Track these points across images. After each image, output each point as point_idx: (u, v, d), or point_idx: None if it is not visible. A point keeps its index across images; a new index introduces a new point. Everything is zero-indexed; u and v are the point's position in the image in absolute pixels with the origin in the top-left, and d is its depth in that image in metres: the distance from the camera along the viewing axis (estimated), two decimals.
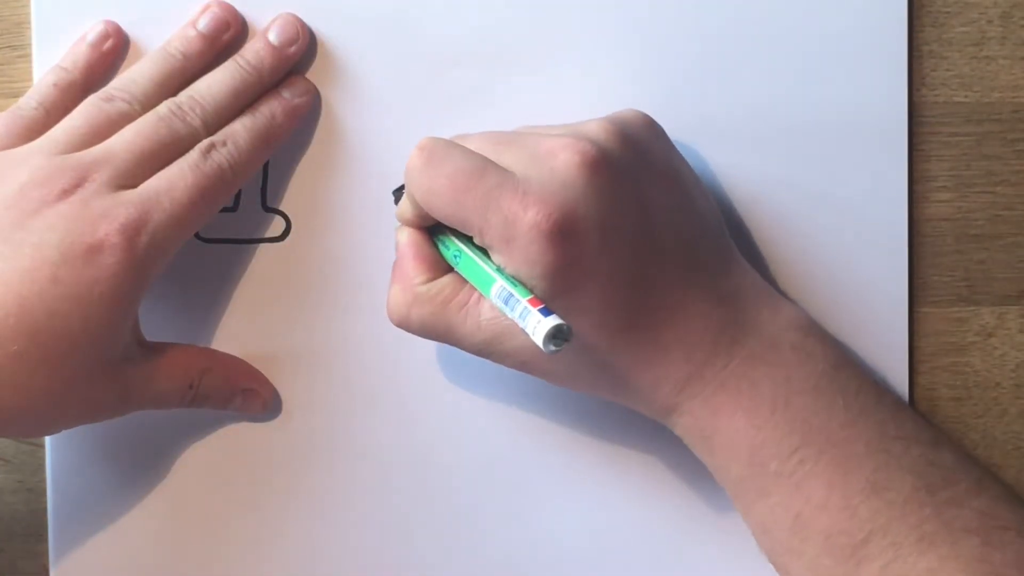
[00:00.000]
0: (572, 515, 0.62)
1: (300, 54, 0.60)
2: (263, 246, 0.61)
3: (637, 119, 0.58)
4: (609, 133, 0.56)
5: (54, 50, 0.60)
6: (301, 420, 0.62)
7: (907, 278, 0.62)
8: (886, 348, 0.61)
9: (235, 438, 0.62)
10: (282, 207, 0.61)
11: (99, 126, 0.57)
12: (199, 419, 0.61)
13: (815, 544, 0.55)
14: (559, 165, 0.54)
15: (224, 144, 0.57)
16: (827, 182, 0.61)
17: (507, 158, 0.55)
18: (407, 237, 0.58)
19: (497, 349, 0.56)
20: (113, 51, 0.60)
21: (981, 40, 0.62)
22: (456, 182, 0.54)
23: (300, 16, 0.60)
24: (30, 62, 0.60)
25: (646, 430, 0.61)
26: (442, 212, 0.55)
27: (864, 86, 0.61)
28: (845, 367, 0.57)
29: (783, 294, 0.60)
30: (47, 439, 0.61)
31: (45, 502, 0.62)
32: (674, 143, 0.58)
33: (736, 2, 0.61)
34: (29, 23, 0.60)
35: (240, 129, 0.58)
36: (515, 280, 0.53)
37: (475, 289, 0.55)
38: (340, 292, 0.61)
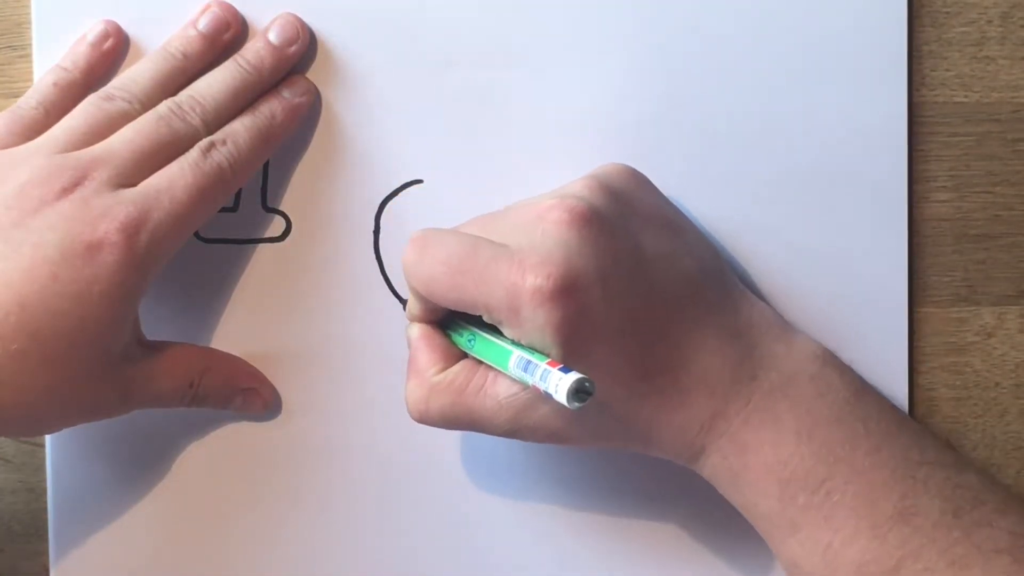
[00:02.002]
0: (572, 515, 0.62)
1: (300, 54, 0.60)
2: (263, 246, 0.61)
3: (619, 171, 0.58)
4: (592, 189, 0.56)
5: (54, 50, 0.60)
6: (301, 420, 0.62)
7: (907, 278, 0.62)
8: (886, 348, 0.61)
9: (235, 438, 0.62)
10: (282, 207, 0.61)
11: (99, 125, 0.57)
12: (199, 419, 0.61)
13: (847, 574, 0.55)
14: (549, 226, 0.54)
15: (224, 143, 0.57)
16: (826, 182, 0.61)
17: (498, 233, 0.55)
18: (417, 331, 0.58)
19: (522, 425, 0.56)
20: (113, 50, 0.60)
21: (981, 40, 0.62)
22: (452, 265, 0.54)
23: (300, 16, 0.60)
24: (30, 62, 0.60)
25: None
26: (445, 297, 0.55)
27: (864, 86, 0.61)
28: (864, 395, 0.58)
29: (783, 313, 0.61)
30: (47, 439, 0.61)
31: (45, 502, 0.62)
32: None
33: (736, 2, 0.61)
34: (29, 23, 0.60)
35: (240, 128, 0.58)
36: (531, 349, 0.53)
37: (489, 370, 0.55)
38: (340, 292, 0.61)
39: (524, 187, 0.60)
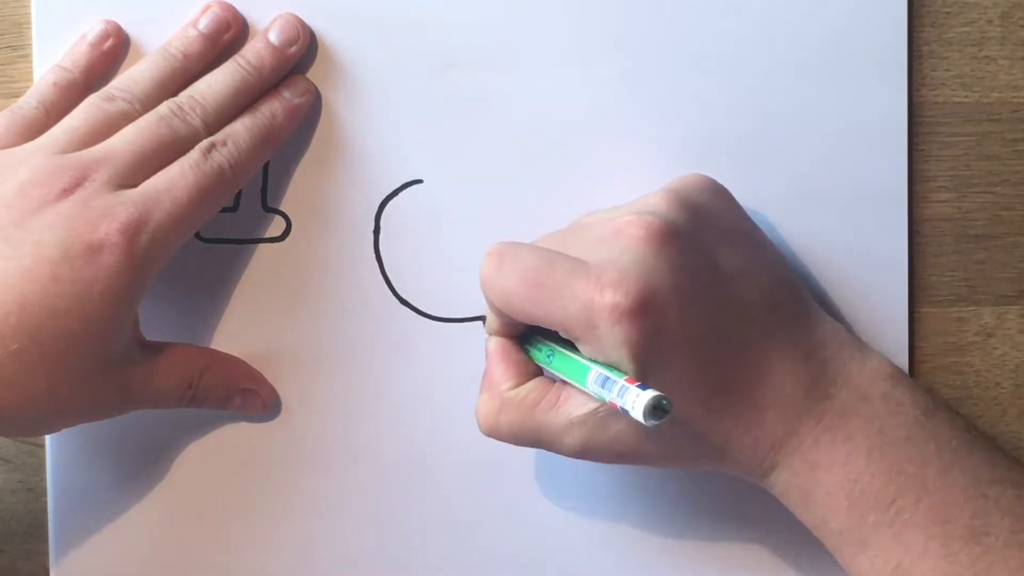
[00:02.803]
0: (572, 515, 0.62)
1: (300, 54, 0.60)
2: (263, 246, 0.61)
3: (698, 183, 0.58)
4: (670, 203, 0.55)
5: (54, 50, 0.60)
6: (301, 420, 0.62)
7: (907, 278, 0.62)
8: (886, 348, 0.61)
9: (235, 438, 0.62)
10: (282, 207, 0.61)
11: (100, 125, 0.57)
12: (199, 419, 0.61)
13: None
14: (627, 242, 0.54)
15: (225, 144, 0.57)
16: (827, 182, 0.61)
17: (575, 248, 0.55)
18: (494, 344, 0.58)
19: (594, 445, 0.55)
20: (113, 51, 0.60)
21: (981, 40, 0.62)
22: (529, 280, 0.54)
23: (300, 16, 0.60)
24: (30, 62, 0.60)
25: None
26: (521, 312, 0.55)
27: (864, 86, 0.61)
28: (936, 413, 0.57)
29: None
30: (47, 439, 0.61)
31: (45, 502, 0.61)
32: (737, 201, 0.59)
33: (736, 2, 0.61)
34: (29, 23, 0.60)
35: (241, 129, 0.58)
36: (607, 366, 0.53)
37: (563, 388, 0.55)
38: (340, 292, 0.61)
39: (524, 187, 0.61)
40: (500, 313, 0.56)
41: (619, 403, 0.51)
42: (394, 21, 0.61)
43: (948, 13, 0.62)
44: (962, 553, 0.55)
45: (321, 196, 0.61)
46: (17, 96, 0.59)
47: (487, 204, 0.61)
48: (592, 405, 0.54)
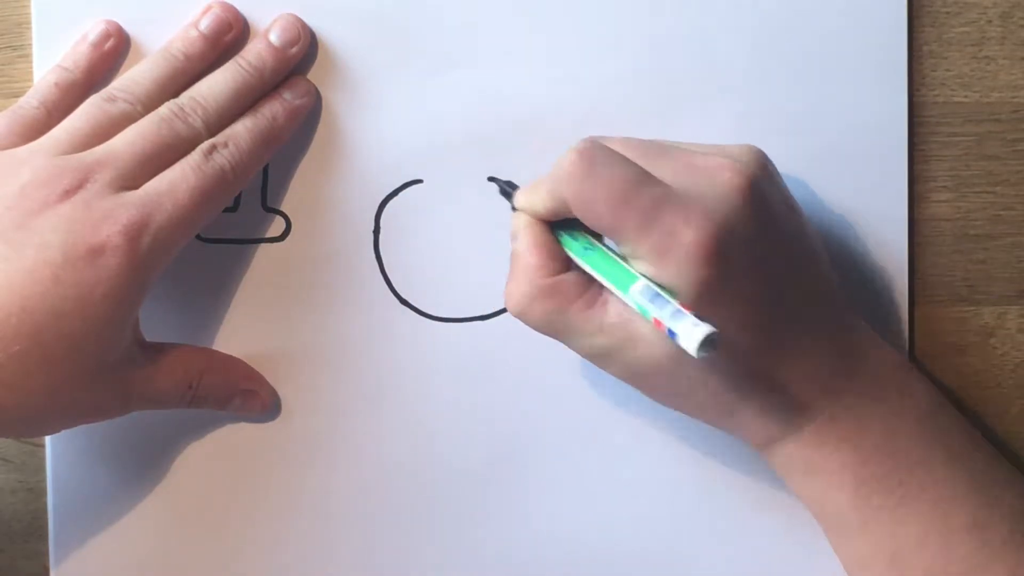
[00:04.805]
0: (572, 515, 0.62)
1: (301, 55, 0.60)
2: (263, 246, 0.61)
3: (760, 152, 0.57)
4: (755, 160, 0.55)
5: (54, 50, 0.60)
6: (301, 420, 0.62)
7: (907, 278, 0.62)
8: None
9: (235, 438, 0.62)
10: (282, 207, 0.61)
11: (101, 127, 0.57)
12: (199, 419, 0.61)
13: None
14: (723, 183, 0.54)
15: (226, 145, 0.57)
16: (827, 182, 0.61)
17: (662, 170, 0.54)
18: (526, 226, 0.57)
19: (617, 357, 0.55)
20: (114, 51, 0.60)
21: (981, 40, 0.62)
22: (615, 193, 0.53)
23: (301, 17, 0.60)
24: (30, 62, 0.60)
25: (646, 430, 0.61)
26: (599, 221, 0.54)
27: (864, 86, 0.61)
28: (944, 410, 0.58)
29: None
30: (47, 439, 0.61)
31: (45, 502, 0.62)
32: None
33: (736, 3, 0.61)
34: (29, 23, 0.60)
35: (241, 130, 0.58)
36: (656, 283, 0.53)
37: (601, 291, 0.55)
38: (340, 292, 0.61)
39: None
40: (559, 202, 0.55)
41: (667, 324, 0.51)
42: (394, 21, 0.61)
43: (948, 13, 0.62)
44: (961, 546, 0.55)
45: (321, 196, 0.61)
46: (17, 96, 0.59)
47: (487, 204, 0.61)
48: (627, 316, 0.54)
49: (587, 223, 0.55)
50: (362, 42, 0.61)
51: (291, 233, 0.61)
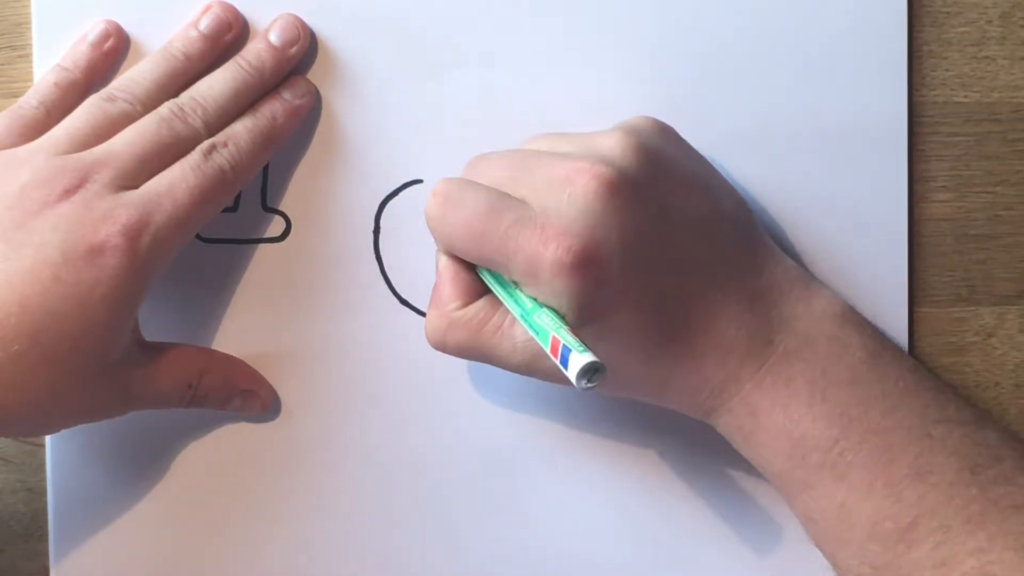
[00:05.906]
0: (572, 515, 0.62)
1: (301, 55, 0.60)
2: (263, 246, 0.61)
3: (650, 126, 0.58)
4: (625, 147, 0.55)
5: (54, 50, 0.60)
6: (301, 420, 0.62)
7: (907, 278, 0.62)
8: None
9: (235, 438, 0.62)
10: (282, 207, 0.61)
11: (101, 126, 0.57)
12: (199, 419, 0.61)
13: (862, 531, 0.55)
14: (576, 192, 0.54)
15: (225, 145, 0.57)
16: (827, 182, 0.61)
17: (522, 188, 0.55)
18: (444, 262, 0.58)
19: (537, 368, 0.56)
20: (114, 51, 0.60)
21: (981, 40, 0.62)
22: (473, 226, 0.54)
23: (301, 16, 0.60)
24: (30, 62, 0.60)
25: (646, 429, 0.61)
26: (464, 254, 0.56)
27: (864, 86, 0.61)
28: (883, 354, 0.58)
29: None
30: (47, 439, 0.61)
31: (45, 502, 0.61)
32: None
33: (736, 2, 0.61)
34: (29, 23, 0.60)
35: (241, 130, 0.58)
36: (548, 307, 0.54)
37: (508, 313, 0.56)
38: (340, 292, 0.61)
39: None
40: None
41: (551, 359, 0.52)
42: (394, 21, 0.61)
43: (948, 13, 0.62)
44: (907, 492, 0.55)
45: (321, 196, 0.61)
46: (17, 96, 0.59)
47: None
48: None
49: (459, 256, 0.56)
50: (362, 42, 0.61)
51: (291, 233, 0.61)
